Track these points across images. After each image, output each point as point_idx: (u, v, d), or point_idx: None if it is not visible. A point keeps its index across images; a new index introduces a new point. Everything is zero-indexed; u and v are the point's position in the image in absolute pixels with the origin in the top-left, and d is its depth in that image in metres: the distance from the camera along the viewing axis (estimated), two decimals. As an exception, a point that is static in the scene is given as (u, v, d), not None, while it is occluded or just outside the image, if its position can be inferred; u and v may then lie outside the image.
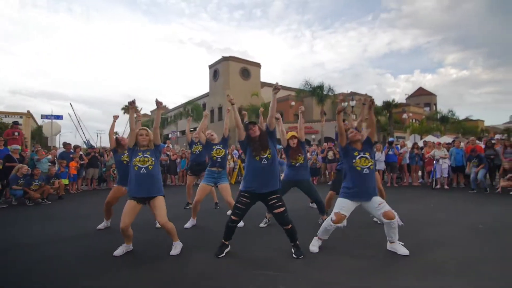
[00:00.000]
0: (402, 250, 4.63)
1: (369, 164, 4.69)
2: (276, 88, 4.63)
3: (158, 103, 4.84)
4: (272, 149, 4.68)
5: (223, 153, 6.51)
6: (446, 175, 13.47)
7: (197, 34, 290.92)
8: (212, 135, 6.68)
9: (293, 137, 6.48)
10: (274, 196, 4.55)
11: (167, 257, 4.65)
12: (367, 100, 4.94)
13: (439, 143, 14.40)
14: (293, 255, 4.50)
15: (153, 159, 4.78)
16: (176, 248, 4.83)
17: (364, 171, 4.66)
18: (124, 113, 58.08)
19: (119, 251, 4.75)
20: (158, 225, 6.10)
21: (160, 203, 4.72)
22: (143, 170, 4.66)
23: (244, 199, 4.61)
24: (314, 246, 4.87)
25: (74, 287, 3.73)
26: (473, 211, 7.91)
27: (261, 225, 6.54)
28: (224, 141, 6.66)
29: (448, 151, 13.68)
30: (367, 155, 4.74)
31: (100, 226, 6.45)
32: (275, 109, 4.73)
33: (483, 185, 11.25)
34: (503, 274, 3.84)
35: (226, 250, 4.72)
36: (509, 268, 4.05)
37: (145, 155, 4.75)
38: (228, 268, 4.21)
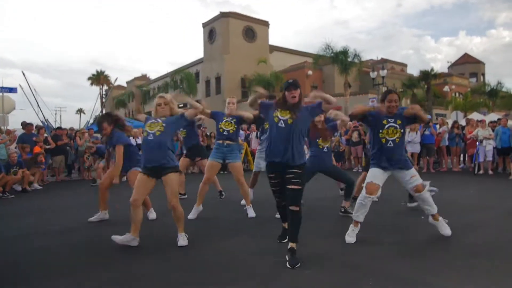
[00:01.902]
0: (445, 231, 5.30)
1: (395, 136, 5.12)
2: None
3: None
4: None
5: (234, 128, 6.90)
6: (490, 159, 13.82)
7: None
8: (231, 104, 6.98)
9: None
10: (293, 170, 4.58)
11: (171, 249, 5.06)
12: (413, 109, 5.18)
13: (483, 121, 14.31)
14: (287, 264, 4.33)
15: (164, 125, 5.09)
16: (184, 239, 5.14)
17: (388, 144, 5.12)
18: (92, 84, 58.15)
19: (120, 238, 5.00)
20: (151, 217, 6.73)
21: (172, 180, 5.04)
22: (150, 137, 5.02)
23: (270, 176, 4.88)
24: (351, 236, 5.23)
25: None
26: None
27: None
28: (238, 119, 6.93)
29: (493, 130, 13.88)
30: (398, 123, 5.13)
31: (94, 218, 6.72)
32: None
33: None
34: None
35: None
36: None
37: (157, 120, 5.16)
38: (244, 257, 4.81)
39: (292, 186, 4.53)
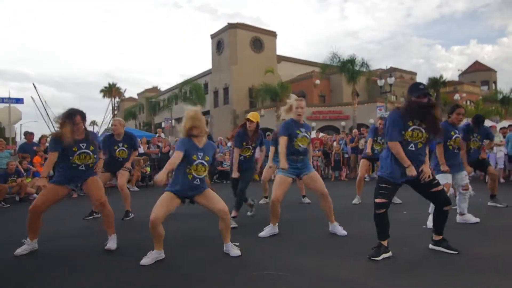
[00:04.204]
0: (473, 219, 6.56)
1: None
2: None
3: None
4: None
5: (309, 142, 6.20)
6: (502, 166, 13.56)
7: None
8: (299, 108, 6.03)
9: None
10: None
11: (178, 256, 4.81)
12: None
13: (494, 127, 14.18)
14: (447, 251, 4.79)
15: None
16: (234, 250, 5.01)
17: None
18: (104, 96, 58.51)
19: (147, 260, 4.70)
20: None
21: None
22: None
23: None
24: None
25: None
26: None
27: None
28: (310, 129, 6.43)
29: (504, 137, 13.77)
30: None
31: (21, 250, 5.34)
32: None
33: None
34: None
35: (385, 255, 4.77)
36: None
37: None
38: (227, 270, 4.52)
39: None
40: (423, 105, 4.54)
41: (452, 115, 6.49)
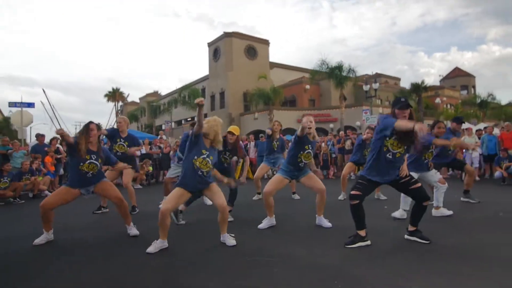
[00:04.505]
0: (447, 213, 6.80)
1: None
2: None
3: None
4: None
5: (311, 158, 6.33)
6: (477, 165, 13.77)
7: (195, 6, 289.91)
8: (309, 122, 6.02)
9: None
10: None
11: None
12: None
13: (470, 129, 14.41)
14: (420, 240, 5.01)
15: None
16: (230, 240, 5.22)
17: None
18: (108, 100, 58.41)
19: (152, 248, 4.90)
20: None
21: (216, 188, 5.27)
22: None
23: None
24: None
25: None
26: (497, 200, 8.59)
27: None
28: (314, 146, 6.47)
29: (479, 138, 13.92)
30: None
31: (38, 240, 5.55)
32: None
33: None
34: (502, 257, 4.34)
35: (361, 243, 4.98)
36: (504, 252, 4.56)
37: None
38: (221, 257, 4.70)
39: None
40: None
41: (434, 130, 6.89)
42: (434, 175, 6.86)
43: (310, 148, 6.11)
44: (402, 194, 6.31)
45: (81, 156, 5.43)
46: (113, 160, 6.08)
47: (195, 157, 5.02)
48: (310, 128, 5.96)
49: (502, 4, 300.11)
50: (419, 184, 5.03)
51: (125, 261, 4.64)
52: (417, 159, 6.64)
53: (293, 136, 6.32)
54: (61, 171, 14.05)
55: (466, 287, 3.51)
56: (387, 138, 4.75)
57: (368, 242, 4.93)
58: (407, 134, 4.56)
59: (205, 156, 5.06)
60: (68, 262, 4.64)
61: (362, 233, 4.95)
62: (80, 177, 5.56)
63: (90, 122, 5.71)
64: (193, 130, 5.07)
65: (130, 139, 7.98)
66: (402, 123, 4.39)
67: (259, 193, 9.42)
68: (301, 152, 6.05)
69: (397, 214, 6.68)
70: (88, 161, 5.51)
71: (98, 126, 5.81)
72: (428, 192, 5.28)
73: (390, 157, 4.81)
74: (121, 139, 7.83)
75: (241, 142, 7.62)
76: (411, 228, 5.13)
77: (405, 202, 6.60)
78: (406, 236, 5.17)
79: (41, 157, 12.60)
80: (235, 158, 7.26)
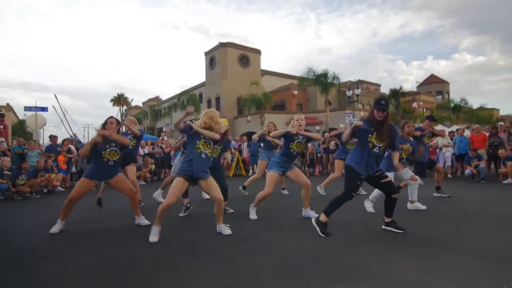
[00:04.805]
0: (421, 207, 6.90)
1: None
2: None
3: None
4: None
5: (303, 148, 6.44)
6: (450, 164, 14.06)
7: (193, 18, 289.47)
8: (299, 120, 6.30)
9: None
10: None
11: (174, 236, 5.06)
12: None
13: (443, 131, 14.60)
14: (396, 230, 5.13)
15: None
16: (226, 230, 5.31)
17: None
18: (113, 105, 58.28)
19: (154, 238, 4.98)
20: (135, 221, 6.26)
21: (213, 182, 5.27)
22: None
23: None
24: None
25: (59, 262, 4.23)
26: (467, 195, 8.66)
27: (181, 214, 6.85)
28: (307, 139, 6.48)
29: (452, 139, 14.22)
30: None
31: (54, 230, 5.66)
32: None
33: (482, 175, 11.69)
34: (467, 245, 4.47)
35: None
36: (470, 240, 4.67)
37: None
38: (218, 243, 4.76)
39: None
40: (377, 120, 4.87)
41: (405, 129, 7.13)
42: (406, 173, 6.90)
43: (301, 138, 6.19)
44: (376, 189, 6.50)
45: (100, 144, 5.60)
46: (126, 142, 6.07)
47: (197, 142, 5.11)
48: (301, 125, 6.20)
49: (474, 16, 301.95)
50: (389, 179, 5.16)
51: (131, 248, 4.74)
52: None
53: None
54: (73, 169, 14.31)
55: (435, 269, 3.62)
56: (370, 135, 4.92)
57: (327, 223, 5.09)
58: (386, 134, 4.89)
59: (205, 139, 5.14)
60: (79, 248, 4.77)
61: (325, 219, 5.08)
62: (102, 167, 5.69)
63: (110, 117, 5.86)
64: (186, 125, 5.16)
65: (137, 138, 7.77)
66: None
67: (244, 187, 9.51)
68: (292, 142, 6.17)
69: (369, 208, 6.78)
70: (109, 149, 5.65)
71: (117, 121, 5.92)
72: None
73: (377, 151, 4.97)
74: (130, 136, 7.52)
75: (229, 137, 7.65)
76: (387, 219, 5.24)
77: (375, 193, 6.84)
78: (383, 227, 5.28)
79: (54, 156, 12.86)
80: (229, 156, 7.36)
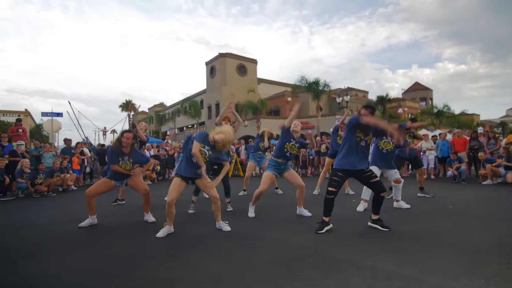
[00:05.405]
0: (405, 206, 6.90)
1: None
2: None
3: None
4: None
5: (295, 153, 6.44)
6: (433, 166, 14.12)
7: (194, 31, 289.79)
8: (297, 125, 6.48)
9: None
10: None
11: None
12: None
13: (426, 135, 14.71)
14: (381, 228, 5.14)
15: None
16: (225, 226, 5.36)
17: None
18: (122, 110, 58.21)
19: (161, 233, 5.03)
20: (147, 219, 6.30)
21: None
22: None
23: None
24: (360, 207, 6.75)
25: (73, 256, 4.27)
26: (448, 195, 8.59)
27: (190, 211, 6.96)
28: (302, 145, 6.50)
29: (434, 143, 14.21)
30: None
31: (83, 224, 5.89)
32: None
33: (463, 176, 11.66)
34: (448, 239, 4.50)
35: (327, 227, 5.11)
36: (450, 236, 4.70)
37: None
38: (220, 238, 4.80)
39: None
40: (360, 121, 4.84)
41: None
42: (394, 175, 6.87)
43: (295, 142, 6.28)
44: (364, 187, 6.58)
45: (117, 155, 5.86)
46: (143, 159, 6.26)
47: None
48: (297, 126, 6.38)
49: (456, 28, 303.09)
50: (378, 178, 5.22)
51: (139, 241, 4.83)
52: (383, 156, 6.72)
53: (281, 129, 6.40)
54: (87, 169, 14.56)
55: (417, 264, 3.66)
56: (358, 130, 5.02)
57: (331, 225, 5.14)
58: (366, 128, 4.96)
59: (202, 148, 5.08)
60: (101, 242, 4.87)
61: (327, 219, 5.13)
62: (118, 172, 5.89)
63: (126, 131, 5.91)
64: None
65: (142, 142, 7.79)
66: (368, 119, 4.72)
67: (244, 190, 9.54)
68: (287, 143, 6.23)
69: (360, 208, 6.76)
70: (121, 162, 5.86)
71: (134, 135, 6.06)
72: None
73: (364, 144, 5.06)
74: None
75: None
76: (373, 217, 5.28)
77: (365, 193, 6.81)
78: (369, 224, 5.33)
79: (68, 158, 13.06)
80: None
